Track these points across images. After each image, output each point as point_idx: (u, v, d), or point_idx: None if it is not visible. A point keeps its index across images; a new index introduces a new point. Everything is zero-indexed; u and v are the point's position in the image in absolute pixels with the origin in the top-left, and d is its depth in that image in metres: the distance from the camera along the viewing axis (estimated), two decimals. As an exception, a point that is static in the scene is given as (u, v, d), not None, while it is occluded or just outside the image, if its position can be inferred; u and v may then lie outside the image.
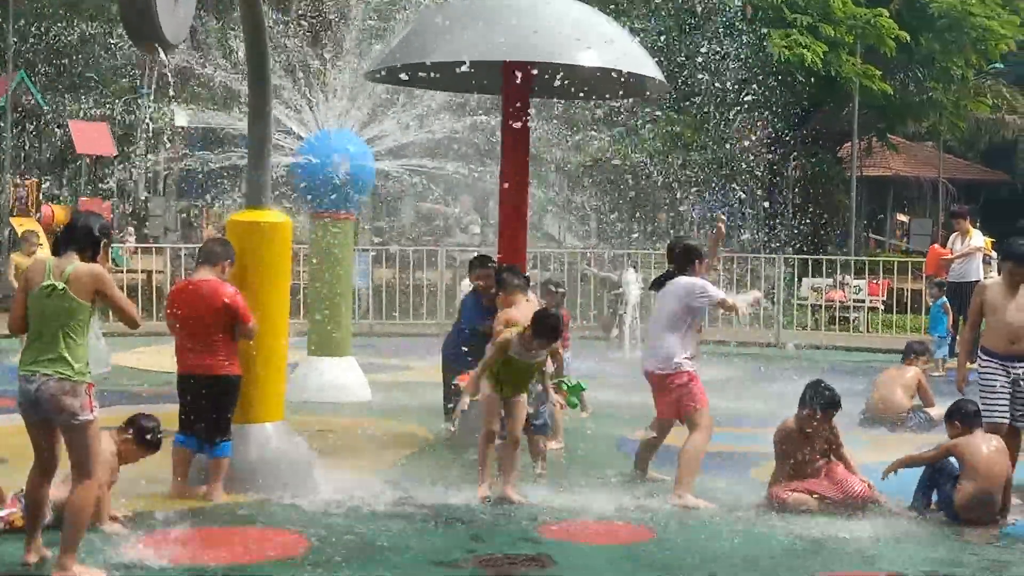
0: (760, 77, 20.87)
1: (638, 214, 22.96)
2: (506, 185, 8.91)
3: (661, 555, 6.06)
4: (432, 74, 8.92)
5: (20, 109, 23.51)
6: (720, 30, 21.61)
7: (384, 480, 7.45)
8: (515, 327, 7.20)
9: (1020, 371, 7.29)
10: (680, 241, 7.75)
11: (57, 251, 5.50)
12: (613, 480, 7.71)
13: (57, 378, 5.27)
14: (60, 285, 5.31)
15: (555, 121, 16.43)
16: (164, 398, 10.56)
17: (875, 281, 20.27)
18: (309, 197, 11.10)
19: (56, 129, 24.42)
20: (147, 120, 24.25)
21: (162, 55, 6.53)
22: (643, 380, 7.75)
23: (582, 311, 17.89)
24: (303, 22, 13.83)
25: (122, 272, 17.86)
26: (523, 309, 7.78)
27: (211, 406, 6.91)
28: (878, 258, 23.14)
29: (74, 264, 5.37)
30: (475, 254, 9.73)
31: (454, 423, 8.98)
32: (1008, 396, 7.28)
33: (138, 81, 26.38)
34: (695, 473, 7.16)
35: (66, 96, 25.36)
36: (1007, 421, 7.29)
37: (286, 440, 7.34)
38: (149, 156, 23.82)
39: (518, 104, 8.82)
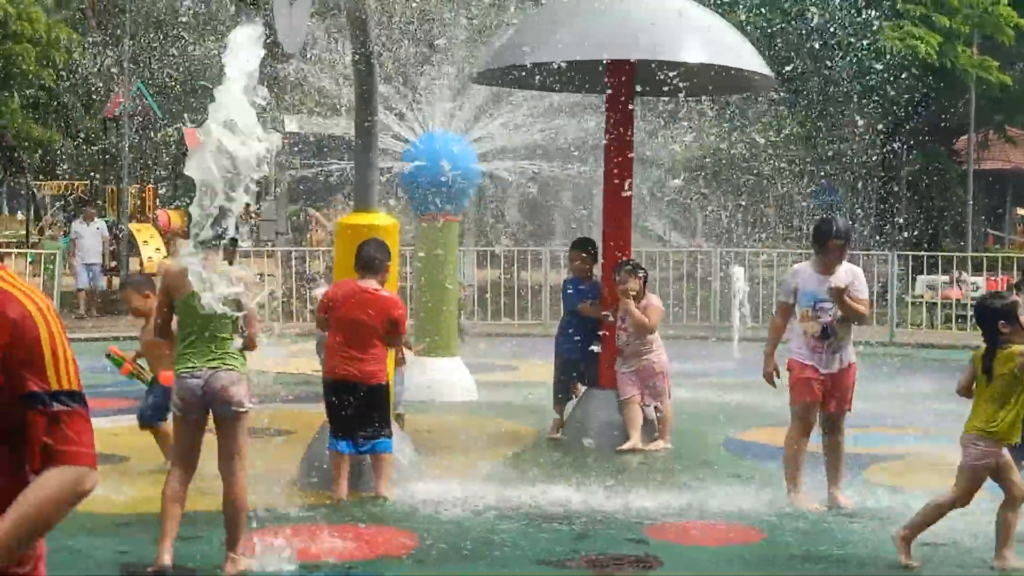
0: (871, 70, 20.45)
1: (747, 211, 22.65)
2: (610, 183, 8.87)
3: (770, 558, 5.95)
4: (536, 75, 8.93)
5: (137, 117, 24.28)
6: (830, 23, 21.21)
7: (491, 479, 7.48)
8: None
9: None
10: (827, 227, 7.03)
11: None
12: (721, 480, 7.61)
13: (226, 369, 5.40)
14: None
15: (661, 118, 16.29)
16: (275, 400, 10.80)
17: (994, 278, 19.63)
18: (415, 199, 11.22)
19: (172, 136, 25.16)
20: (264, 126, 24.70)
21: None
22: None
23: (676, 313, 17.72)
24: (407, 27, 13.99)
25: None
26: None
27: (370, 411, 6.94)
28: (997, 254, 22.43)
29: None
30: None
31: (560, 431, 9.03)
32: None
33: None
34: (792, 469, 6.93)
35: (185, 102, 26.08)
36: None
37: (394, 439, 7.40)
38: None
39: (622, 102, 8.78)
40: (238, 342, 5.46)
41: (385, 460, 6.98)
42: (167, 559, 5.42)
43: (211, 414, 5.49)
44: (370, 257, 6.91)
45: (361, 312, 6.88)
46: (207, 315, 5.37)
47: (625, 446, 8.48)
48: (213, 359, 5.41)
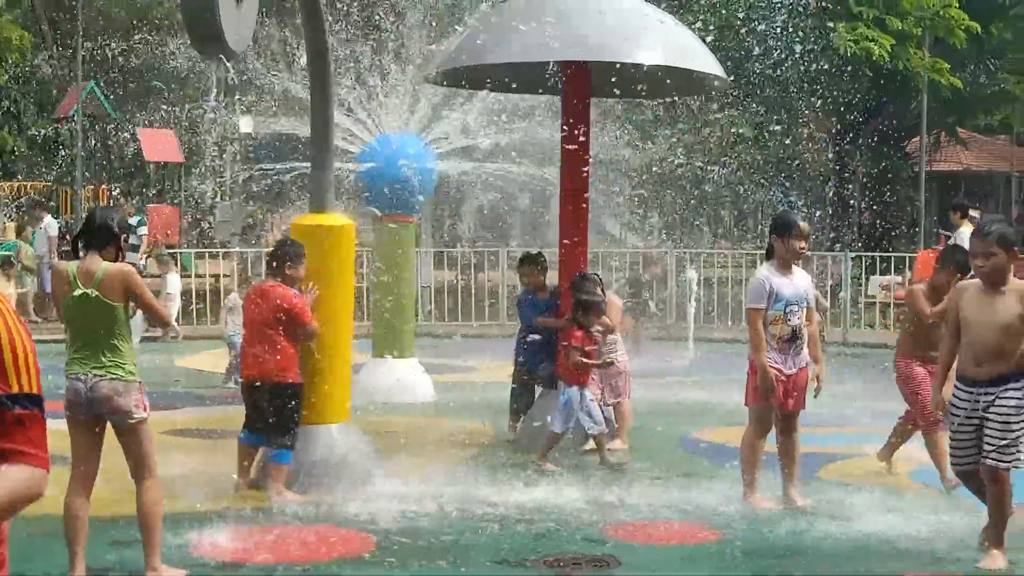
0: (826, 72, 20.64)
1: (700, 214, 22.78)
2: (567, 185, 8.89)
3: (726, 556, 6.00)
4: (492, 76, 8.93)
5: (90, 118, 24.01)
6: (784, 24, 21.38)
7: (449, 479, 7.47)
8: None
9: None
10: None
11: (76, 252, 5.41)
12: (677, 480, 7.66)
13: (109, 378, 5.24)
14: (92, 292, 5.23)
15: (617, 121, 16.34)
16: (227, 400, 10.73)
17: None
18: (371, 200, 11.18)
19: (126, 137, 24.91)
20: (213, 128, 24.58)
21: (225, 62, 6.60)
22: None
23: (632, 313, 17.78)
24: (363, 27, 13.94)
25: (190, 276, 18.16)
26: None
27: (270, 412, 6.97)
28: (949, 254, 22.69)
29: (102, 267, 5.26)
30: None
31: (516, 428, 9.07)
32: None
33: (203, 89, 26.81)
34: (749, 469, 6.99)
35: (136, 104, 25.81)
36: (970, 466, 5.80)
37: (351, 441, 7.40)
38: (216, 163, 24.19)
39: (577, 104, 8.80)
40: (136, 339, 5.36)
41: (278, 468, 7.00)
42: (80, 571, 5.26)
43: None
44: (271, 256, 7.12)
45: (257, 310, 7.02)
46: (88, 319, 5.27)
47: (588, 446, 8.50)
48: (98, 367, 5.24)
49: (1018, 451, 5.64)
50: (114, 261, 5.33)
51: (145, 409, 5.33)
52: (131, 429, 5.29)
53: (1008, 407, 5.59)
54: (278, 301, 6.96)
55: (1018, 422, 5.60)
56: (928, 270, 16.50)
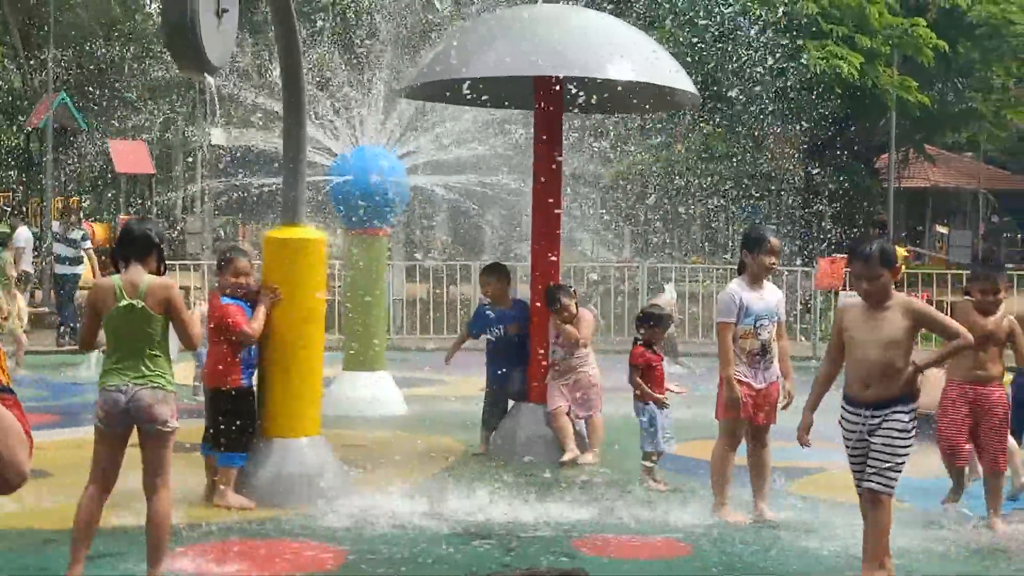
0: (796, 89, 20.81)
1: (671, 227, 22.89)
2: (539, 199, 8.91)
3: (698, 570, 6.01)
4: (465, 90, 8.94)
5: (61, 129, 23.85)
6: (755, 42, 21.55)
7: (419, 493, 7.45)
8: None
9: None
10: None
11: (117, 265, 5.52)
12: (648, 494, 7.66)
13: (151, 387, 5.34)
14: (139, 304, 5.35)
15: (587, 135, 16.40)
16: (196, 413, 10.66)
17: (915, 293, 20.06)
18: (343, 213, 11.16)
19: (96, 149, 24.76)
20: (190, 140, 24.47)
21: (208, 79, 6.59)
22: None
23: (603, 327, 17.83)
24: (335, 37, 13.95)
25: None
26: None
27: (210, 416, 7.16)
28: (917, 270, 22.93)
29: (146, 279, 5.39)
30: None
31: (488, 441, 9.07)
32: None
33: (176, 102, 26.70)
34: (719, 483, 7.04)
35: (109, 115, 25.66)
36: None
37: (321, 454, 7.37)
38: (186, 175, 24.11)
39: (550, 118, 8.83)
40: (173, 350, 5.50)
41: (227, 473, 7.08)
42: (78, 573, 5.32)
43: (136, 431, 5.43)
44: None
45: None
46: (132, 330, 5.36)
47: (565, 458, 8.51)
48: (139, 376, 5.35)
49: (897, 476, 5.40)
50: (156, 272, 5.46)
51: (176, 420, 5.45)
52: (161, 438, 5.37)
53: (895, 430, 5.36)
54: (210, 313, 7.29)
55: (903, 447, 5.37)
56: (829, 279, 16.66)
